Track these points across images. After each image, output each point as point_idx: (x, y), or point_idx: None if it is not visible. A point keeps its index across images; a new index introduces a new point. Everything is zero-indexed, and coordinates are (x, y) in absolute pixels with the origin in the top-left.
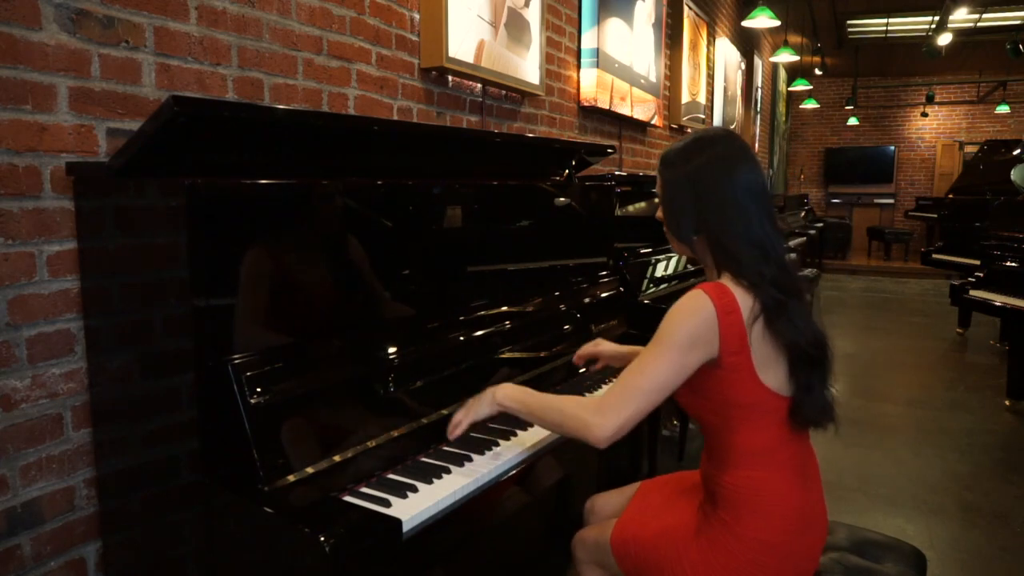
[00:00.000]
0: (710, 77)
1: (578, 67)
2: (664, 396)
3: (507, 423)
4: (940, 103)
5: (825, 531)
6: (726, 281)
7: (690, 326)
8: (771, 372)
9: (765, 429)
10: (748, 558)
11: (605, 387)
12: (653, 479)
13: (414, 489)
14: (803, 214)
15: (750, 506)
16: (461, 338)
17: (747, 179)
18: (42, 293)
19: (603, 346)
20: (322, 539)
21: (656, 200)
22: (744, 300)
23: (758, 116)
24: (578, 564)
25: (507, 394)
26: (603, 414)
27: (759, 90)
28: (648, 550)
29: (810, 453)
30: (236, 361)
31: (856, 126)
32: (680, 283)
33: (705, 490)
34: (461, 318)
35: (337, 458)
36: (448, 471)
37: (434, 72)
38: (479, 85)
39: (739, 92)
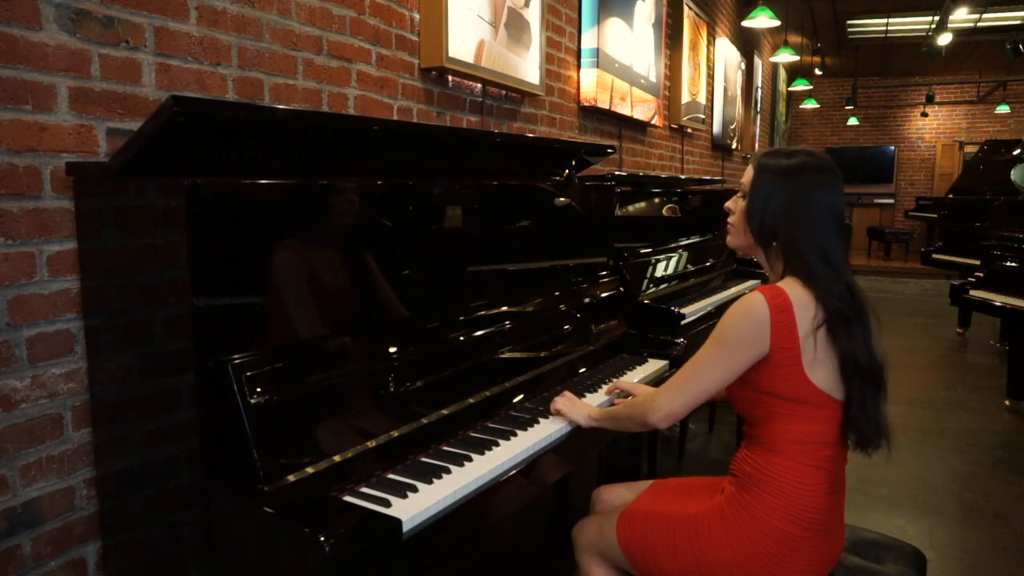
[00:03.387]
0: (710, 77)
1: (578, 67)
2: (715, 389)
3: (507, 423)
4: (940, 103)
5: (841, 545)
6: (789, 284)
7: (741, 327)
8: (821, 372)
9: (808, 423)
10: (765, 546)
11: (603, 388)
12: (666, 479)
13: (414, 489)
14: None
15: (777, 493)
16: (461, 338)
17: (836, 207)
18: (42, 293)
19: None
20: (322, 539)
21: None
22: (806, 303)
23: (758, 116)
24: (578, 552)
25: (598, 413)
26: (657, 400)
27: (759, 90)
28: (659, 525)
29: (842, 470)
30: (236, 361)
31: (856, 126)
32: (680, 283)
33: (735, 473)
34: (461, 318)
35: (337, 458)
36: (448, 471)
37: (434, 72)
38: (479, 85)
39: (739, 92)
